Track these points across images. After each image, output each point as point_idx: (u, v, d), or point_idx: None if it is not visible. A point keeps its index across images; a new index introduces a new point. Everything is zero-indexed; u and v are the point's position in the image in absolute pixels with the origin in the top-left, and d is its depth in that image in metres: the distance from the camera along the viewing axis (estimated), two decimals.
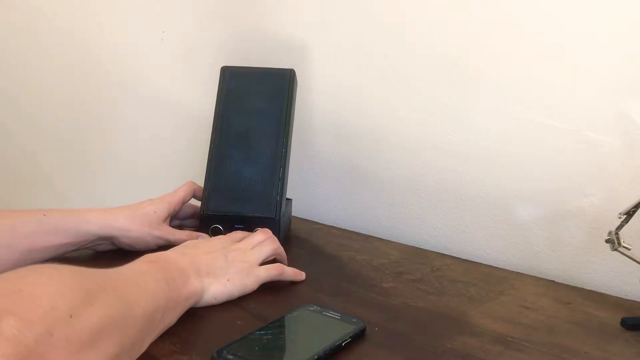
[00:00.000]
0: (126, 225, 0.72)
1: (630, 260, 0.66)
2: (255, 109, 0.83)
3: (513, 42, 0.80)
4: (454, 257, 0.83)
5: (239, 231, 0.75)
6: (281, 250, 0.72)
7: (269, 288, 0.68)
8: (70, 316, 0.40)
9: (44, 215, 0.67)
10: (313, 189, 1.03)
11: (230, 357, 0.50)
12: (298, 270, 0.70)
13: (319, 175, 1.02)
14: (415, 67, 0.89)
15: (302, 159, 1.02)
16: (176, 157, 1.24)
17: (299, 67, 0.98)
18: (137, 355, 0.48)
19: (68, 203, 1.47)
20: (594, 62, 0.75)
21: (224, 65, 0.87)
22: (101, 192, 1.40)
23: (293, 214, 0.99)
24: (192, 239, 0.77)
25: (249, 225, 0.78)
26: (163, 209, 0.76)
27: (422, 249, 0.86)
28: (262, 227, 0.78)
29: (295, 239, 0.87)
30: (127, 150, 1.33)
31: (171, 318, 0.55)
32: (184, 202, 0.80)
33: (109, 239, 0.72)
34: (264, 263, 0.68)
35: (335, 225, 0.96)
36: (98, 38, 1.33)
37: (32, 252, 0.65)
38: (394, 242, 0.88)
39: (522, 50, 0.80)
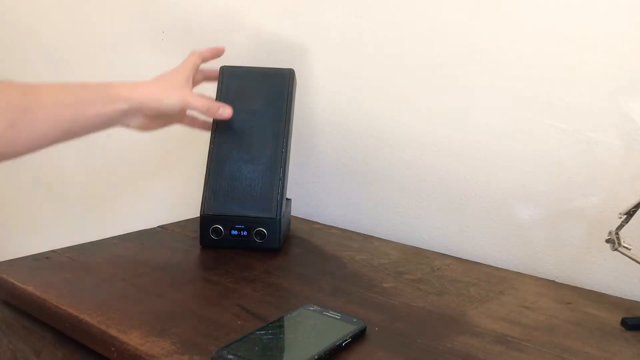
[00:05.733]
0: (149, 88, 0.75)
1: (630, 260, 0.66)
2: (254, 109, 0.83)
3: (513, 42, 0.80)
4: (454, 257, 0.83)
5: None
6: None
7: (269, 288, 0.68)
8: None
9: (82, 88, 0.71)
10: (313, 189, 1.03)
11: (230, 357, 0.50)
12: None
13: (319, 175, 1.02)
14: (415, 67, 0.89)
15: (302, 159, 1.02)
16: (176, 157, 1.24)
17: (299, 68, 0.98)
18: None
19: (67, 202, 1.47)
20: (594, 62, 0.75)
21: (223, 65, 0.87)
22: (101, 191, 1.40)
23: (293, 214, 0.99)
24: (212, 107, 0.80)
25: (249, 225, 0.78)
26: (180, 73, 0.79)
27: (422, 249, 0.86)
28: (262, 227, 0.78)
29: (295, 239, 0.87)
30: (127, 150, 1.33)
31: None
32: (196, 66, 0.82)
33: (139, 109, 0.74)
34: None
35: (335, 225, 0.96)
36: (98, 38, 1.33)
37: (76, 121, 0.69)
38: (394, 242, 0.88)
39: (522, 51, 0.80)
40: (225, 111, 0.81)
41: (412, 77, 0.89)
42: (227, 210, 0.79)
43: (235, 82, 0.85)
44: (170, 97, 0.76)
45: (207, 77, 0.86)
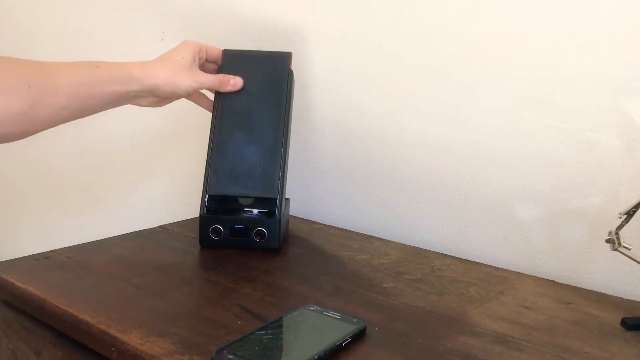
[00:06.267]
0: (162, 72, 0.77)
1: (630, 260, 0.66)
2: (255, 91, 0.84)
3: (513, 43, 0.80)
4: (454, 257, 0.83)
5: None
6: None
7: (269, 288, 0.68)
8: None
9: (97, 66, 0.72)
10: (313, 189, 1.03)
11: (230, 357, 0.50)
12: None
13: (319, 175, 1.02)
14: (415, 67, 0.89)
15: (302, 159, 1.02)
16: (176, 158, 1.24)
17: (299, 68, 0.98)
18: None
19: (67, 202, 1.47)
20: (594, 62, 0.75)
21: (224, 48, 0.87)
22: (100, 191, 1.40)
23: (293, 214, 0.99)
24: (224, 81, 0.82)
25: (249, 225, 0.78)
26: (187, 53, 0.80)
27: (422, 249, 0.86)
28: (262, 227, 0.78)
29: (295, 239, 0.87)
30: (128, 150, 1.33)
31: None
32: (205, 48, 0.84)
33: (151, 91, 0.76)
34: None
35: (334, 225, 0.96)
36: (98, 38, 1.33)
37: (91, 98, 0.71)
38: (394, 242, 0.88)
39: (522, 51, 0.80)
40: (237, 82, 0.83)
41: (412, 77, 0.89)
42: (229, 191, 0.80)
43: (236, 65, 0.85)
44: (183, 81, 0.78)
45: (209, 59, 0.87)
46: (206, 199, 0.80)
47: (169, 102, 0.83)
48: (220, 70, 0.85)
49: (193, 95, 0.85)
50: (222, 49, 0.87)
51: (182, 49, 0.80)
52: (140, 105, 0.79)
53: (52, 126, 0.69)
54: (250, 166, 0.81)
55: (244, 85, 0.84)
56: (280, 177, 0.80)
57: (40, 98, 0.65)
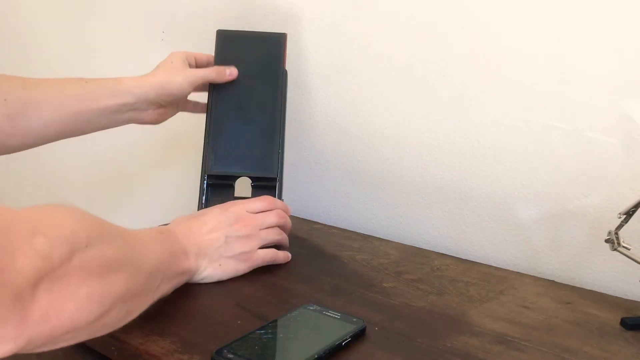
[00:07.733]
0: (155, 78, 0.77)
1: (630, 260, 0.66)
2: (251, 71, 0.84)
3: (513, 43, 0.80)
4: (454, 257, 0.83)
5: (252, 202, 0.73)
6: (286, 220, 0.75)
7: (269, 288, 0.68)
8: (86, 246, 0.43)
9: (86, 82, 0.72)
10: (313, 189, 1.02)
11: (230, 356, 0.50)
12: (288, 254, 0.75)
13: (319, 175, 1.02)
14: (415, 67, 0.89)
15: (301, 158, 1.02)
16: (176, 158, 1.24)
17: (297, 67, 0.98)
18: (135, 312, 0.51)
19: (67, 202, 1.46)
20: (594, 62, 0.75)
21: (219, 29, 0.87)
22: (101, 192, 1.40)
23: (293, 214, 0.98)
24: (221, 71, 0.82)
25: None
26: (176, 59, 0.81)
27: (422, 249, 0.86)
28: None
29: (295, 239, 0.87)
30: (127, 151, 1.33)
31: (166, 288, 0.58)
32: (193, 55, 0.84)
33: (147, 99, 0.76)
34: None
35: (334, 225, 0.96)
36: (98, 39, 1.33)
37: (79, 114, 0.70)
38: (394, 242, 0.88)
39: (522, 51, 0.80)
40: (233, 71, 0.83)
41: (413, 76, 0.89)
42: (227, 170, 0.80)
43: (231, 46, 0.86)
44: (178, 77, 0.78)
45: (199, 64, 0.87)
46: (203, 201, 0.80)
47: (170, 115, 0.83)
48: (216, 50, 0.85)
49: (188, 105, 0.85)
50: (217, 29, 0.87)
51: (169, 57, 0.81)
52: (141, 121, 0.78)
53: (40, 142, 0.68)
54: (248, 146, 0.81)
55: (240, 65, 0.84)
56: (279, 153, 0.80)
57: (20, 110, 0.64)
